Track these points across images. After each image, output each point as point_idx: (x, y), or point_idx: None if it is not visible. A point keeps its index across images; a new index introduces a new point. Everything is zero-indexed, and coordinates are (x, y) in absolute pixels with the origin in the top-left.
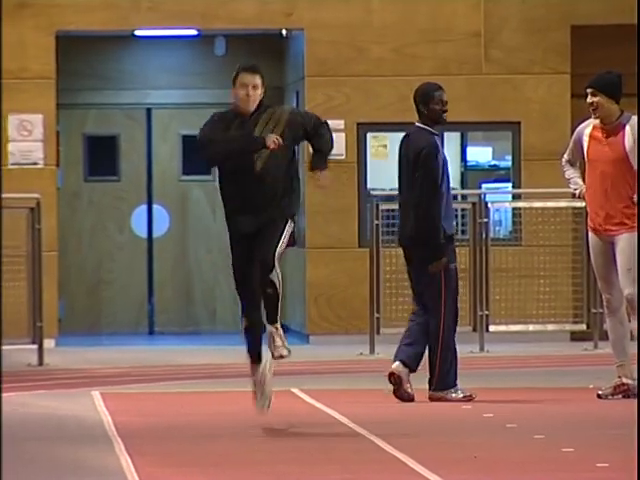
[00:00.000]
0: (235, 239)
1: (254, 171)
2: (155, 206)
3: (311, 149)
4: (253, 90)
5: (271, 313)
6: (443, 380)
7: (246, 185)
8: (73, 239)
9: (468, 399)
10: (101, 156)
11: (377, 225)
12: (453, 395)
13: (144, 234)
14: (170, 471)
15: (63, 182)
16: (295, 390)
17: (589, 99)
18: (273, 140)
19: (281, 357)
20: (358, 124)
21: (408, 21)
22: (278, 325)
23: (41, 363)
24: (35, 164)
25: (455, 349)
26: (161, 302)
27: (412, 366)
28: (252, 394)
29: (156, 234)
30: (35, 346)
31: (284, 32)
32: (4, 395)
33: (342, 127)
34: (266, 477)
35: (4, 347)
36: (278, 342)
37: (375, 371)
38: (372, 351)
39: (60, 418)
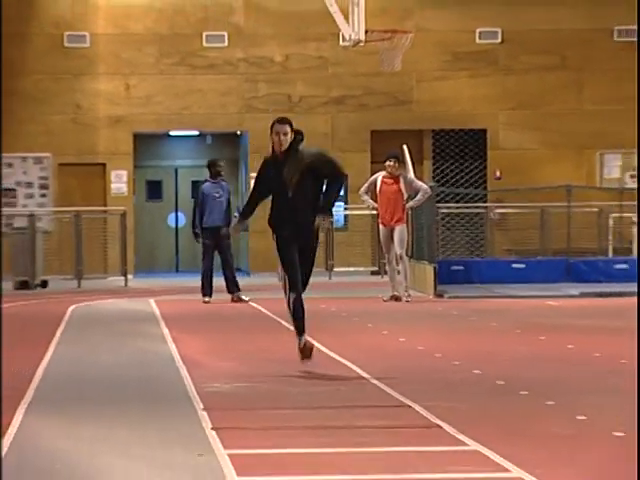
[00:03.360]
0: (283, 242)
1: (288, 197)
2: (179, 213)
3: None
4: (284, 136)
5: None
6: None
7: (285, 206)
8: (141, 228)
9: (246, 302)
10: (154, 190)
11: None
12: (243, 297)
13: (173, 226)
14: (189, 335)
15: (136, 202)
16: (249, 301)
17: (394, 163)
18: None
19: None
20: None
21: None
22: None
23: (126, 285)
24: (123, 193)
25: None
26: (182, 256)
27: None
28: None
29: (180, 226)
30: (123, 277)
31: (238, 132)
32: (109, 301)
33: None
34: (242, 333)
35: (113, 278)
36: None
37: (267, 288)
38: (280, 279)
39: (134, 311)
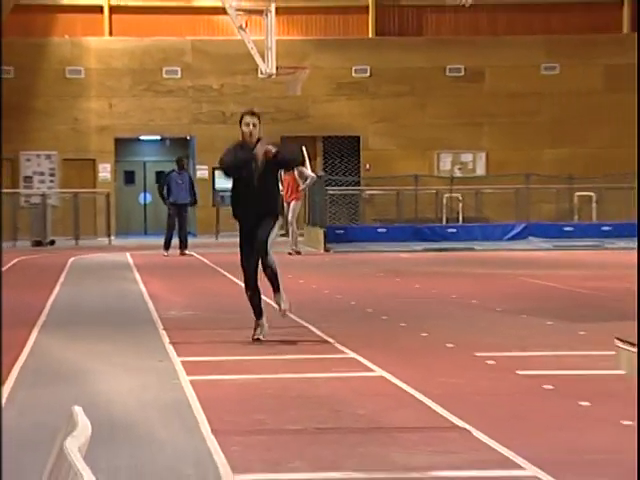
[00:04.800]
0: (243, 237)
1: (253, 185)
2: (146, 194)
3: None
4: (253, 127)
5: (274, 285)
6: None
7: (248, 194)
8: (120, 204)
9: (190, 255)
10: (129, 178)
11: (218, 201)
12: (186, 252)
13: (142, 202)
14: (154, 278)
15: (117, 186)
16: (194, 253)
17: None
18: (263, 152)
19: (285, 312)
20: (213, 168)
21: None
22: (280, 292)
23: (109, 243)
24: (107, 180)
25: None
26: (149, 223)
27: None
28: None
29: (147, 202)
30: (107, 238)
31: (188, 137)
32: (98, 254)
33: (207, 168)
34: (190, 277)
35: (101, 239)
36: (281, 303)
37: (221, 246)
38: (217, 238)
39: (115, 262)
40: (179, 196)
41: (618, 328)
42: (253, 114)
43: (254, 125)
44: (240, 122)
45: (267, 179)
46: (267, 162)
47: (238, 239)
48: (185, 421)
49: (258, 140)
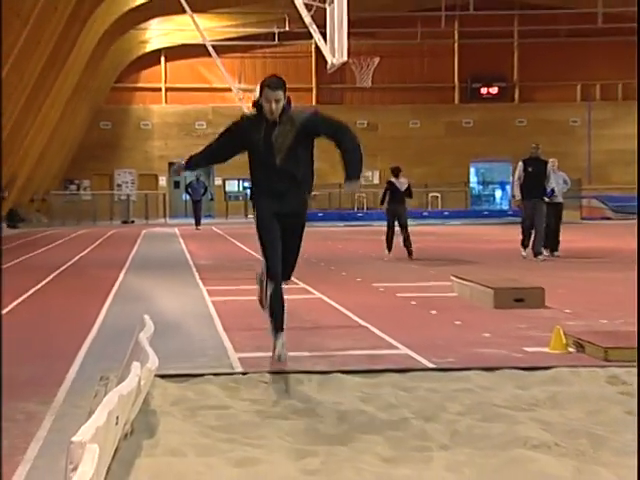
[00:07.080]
0: (263, 219)
1: (275, 165)
2: (185, 194)
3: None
4: (275, 103)
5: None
6: (199, 222)
7: (270, 175)
8: (171, 200)
9: (200, 230)
10: (176, 185)
11: (227, 198)
12: (200, 228)
13: (184, 199)
14: (190, 241)
15: (170, 190)
16: (213, 228)
17: None
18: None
19: (279, 359)
20: (224, 179)
21: None
22: (282, 333)
23: (165, 222)
24: (164, 186)
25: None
26: (188, 210)
27: None
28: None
29: (187, 199)
30: (164, 219)
31: None
32: (159, 229)
33: (221, 179)
34: (212, 242)
35: (160, 220)
36: (279, 346)
37: (229, 224)
38: (227, 218)
39: (168, 233)
40: (195, 195)
41: (454, 269)
42: (277, 87)
43: (277, 101)
44: (260, 93)
45: (295, 158)
46: (297, 137)
47: (258, 227)
48: (208, 323)
49: (283, 110)
